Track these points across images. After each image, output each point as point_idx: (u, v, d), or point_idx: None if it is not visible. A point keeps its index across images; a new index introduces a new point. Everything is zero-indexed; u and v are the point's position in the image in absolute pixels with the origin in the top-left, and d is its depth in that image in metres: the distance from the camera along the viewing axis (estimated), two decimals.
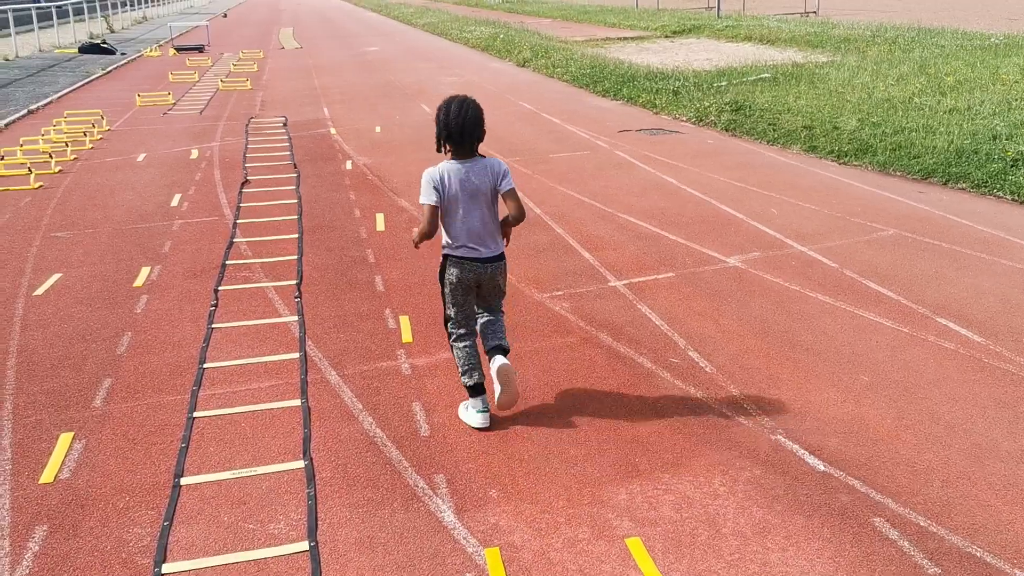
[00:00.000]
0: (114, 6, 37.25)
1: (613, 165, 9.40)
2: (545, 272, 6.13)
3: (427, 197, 4.03)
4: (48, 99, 15.13)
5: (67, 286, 6.03)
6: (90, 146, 10.91)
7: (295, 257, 6.54)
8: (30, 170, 8.94)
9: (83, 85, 17.28)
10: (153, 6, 48.60)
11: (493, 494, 3.56)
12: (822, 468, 3.68)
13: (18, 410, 4.31)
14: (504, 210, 4.12)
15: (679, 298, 5.60)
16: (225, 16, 47.38)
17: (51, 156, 9.61)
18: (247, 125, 12.37)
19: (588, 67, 16.60)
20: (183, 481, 3.68)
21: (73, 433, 4.07)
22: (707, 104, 12.08)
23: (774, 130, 10.54)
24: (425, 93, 15.27)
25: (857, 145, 9.45)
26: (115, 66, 20.66)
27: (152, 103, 14.63)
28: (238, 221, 7.52)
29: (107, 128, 12.22)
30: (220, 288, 5.92)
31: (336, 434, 4.04)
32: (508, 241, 4.23)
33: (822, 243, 6.59)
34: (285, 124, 12.39)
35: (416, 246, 4.18)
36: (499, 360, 4.05)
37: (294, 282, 6.02)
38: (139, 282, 6.07)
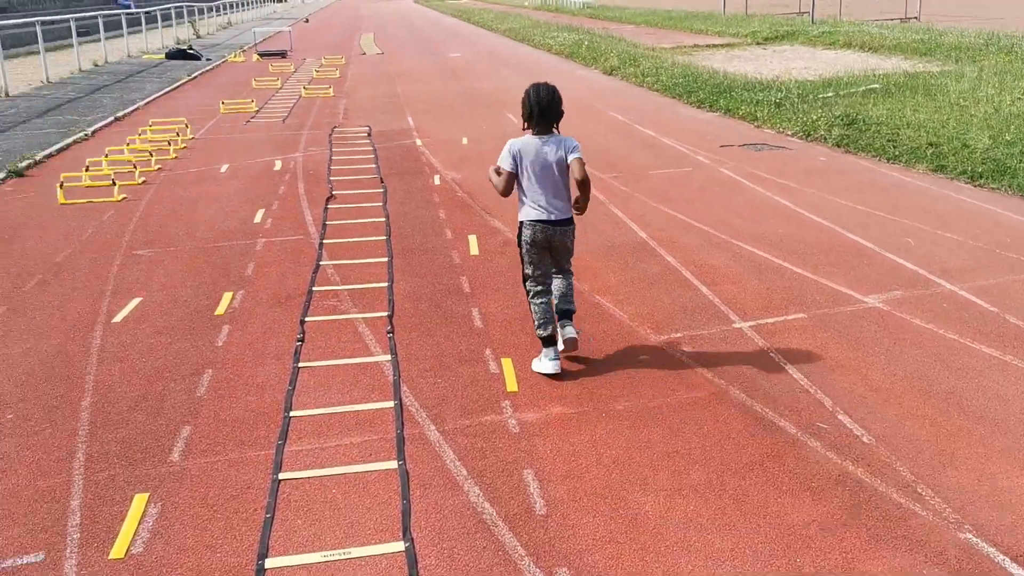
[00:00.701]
0: (200, 12, 37.86)
1: (718, 183, 8.73)
2: (660, 309, 5.53)
3: (504, 162, 4.66)
4: (135, 105, 15.11)
5: (146, 313, 5.67)
6: (174, 155, 10.70)
7: (385, 284, 6.07)
8: (113, 182, 8.72)
9: (169, 92, 17.30)
10: (237, 11, 49.41)
11: None
12: None
13: (91, 462, 3.91)
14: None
15: (816, 345, 4.94)
16: (307, 21, 47.89)
17: (135, 167, 9.40)
18: (331, 135, 12.05)
19: (680, 76, 15.90)
20: (267, 564, 3.20)
21: (148, 495, 3.63)
22: (815, 117, 11.30)
23: (894, 147, 9.72)
24: (511, 102, 14.77)
25: (993, 166, 8.60)
26: (200, 72, 20.74)
27: (235, 110, 14.47)
28: (324, 241, 7.11)
29: (191, 136, 12.03)
30: (306, 319, 5.48)
31: (439, 507, 3.52)
32: (583, 210, 4.66)
33: (973, 281, 5.84)
34: (369, 134, 12.03)
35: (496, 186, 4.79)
36: (569, 332, 4.73)
37: (385, 314, 5.54)
38: (221, 310, 5.67)
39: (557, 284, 4.80)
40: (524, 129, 4.70)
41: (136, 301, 5.86)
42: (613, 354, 4.88)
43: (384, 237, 7.20)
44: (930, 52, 18.16)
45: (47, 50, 25.87)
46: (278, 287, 6.08)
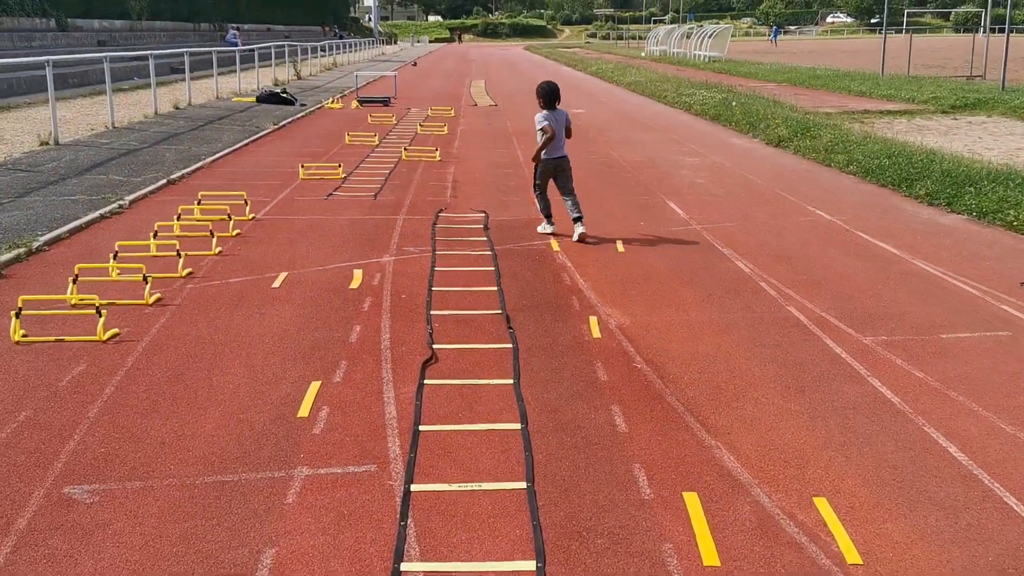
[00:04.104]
0: (304, 52, 35.99)
1: None
2: None
3: (546, 126, 8.01)
4: (199, 163, 12.35)
5: None
6: (217, 250, 7.67)
7: None
8: (98, 311, 5.62)
9: (247, 144, 14.57)
10: (344, 52, 47.82)
11: None
12: None
13: None
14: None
15: None
16: (415, 65, 45.98)
17: (146, 279, 6.34)
18: (434, 224, 8.89)
19: (882, 155, 12.24)
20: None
21: None
22: None
23: None
24: (668, 183, 11.39)
25: None
26: (289, 120, 18.11)
27: (317, 176, 11.52)
28: (412, 488, 3.81)
29: (250, 216, 9.04)
30: None
31: None
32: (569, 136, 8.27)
33: None
34: (486, 226, 8.80)
35: (535, 159, 8.17)
36: (579, 229, 8.11)
37: None
38: None
39: (569, 203, 8.22)
40: (541, 107, 8.14)
41: None
42: None
43: (523, 484, 3.85)
44: None
45: (130, 89, 23.95)
46: None
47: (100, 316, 5.56)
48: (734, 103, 19.74)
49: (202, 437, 4.27)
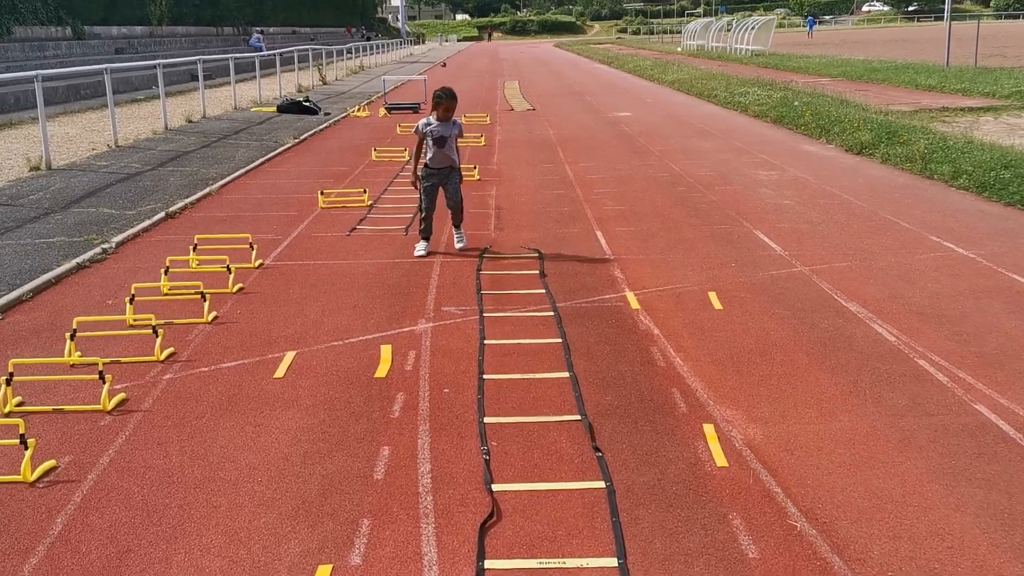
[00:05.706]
0: (329, 55, 34.56)
1: None
2: None
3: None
4: (206, 189, 10.83)
5: None
6: (208, 318, 6.10)
7: None
8: (23, 441, 4.04)
9: (260, 165, 13.02)
10: (371, 54, 46.39)
11: None
12: None
13: None
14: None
15: None
16: (444, 66, 44.48)
17: (102, 376, 4.77)
18: (479, 269, 7.27)
19: (997, 165, 10.42)
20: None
21: None
22: None
23: None
24: (749, 205, 9.65)
25: None
26: (311, 133, 16.57)
27: (339, 204, 9.95)
28: None
29: (257, 264, 7.48)
30: None
31: None
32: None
33: None
34: (542, 273, 7.15)
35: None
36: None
37: None
38: None
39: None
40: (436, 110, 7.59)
41: None
42: None
43: None
44: None
45: (146, 99, 22.58)
46: None
47: (27, 448, 3.98)
48: (796, 103, 17.91)
49: None
